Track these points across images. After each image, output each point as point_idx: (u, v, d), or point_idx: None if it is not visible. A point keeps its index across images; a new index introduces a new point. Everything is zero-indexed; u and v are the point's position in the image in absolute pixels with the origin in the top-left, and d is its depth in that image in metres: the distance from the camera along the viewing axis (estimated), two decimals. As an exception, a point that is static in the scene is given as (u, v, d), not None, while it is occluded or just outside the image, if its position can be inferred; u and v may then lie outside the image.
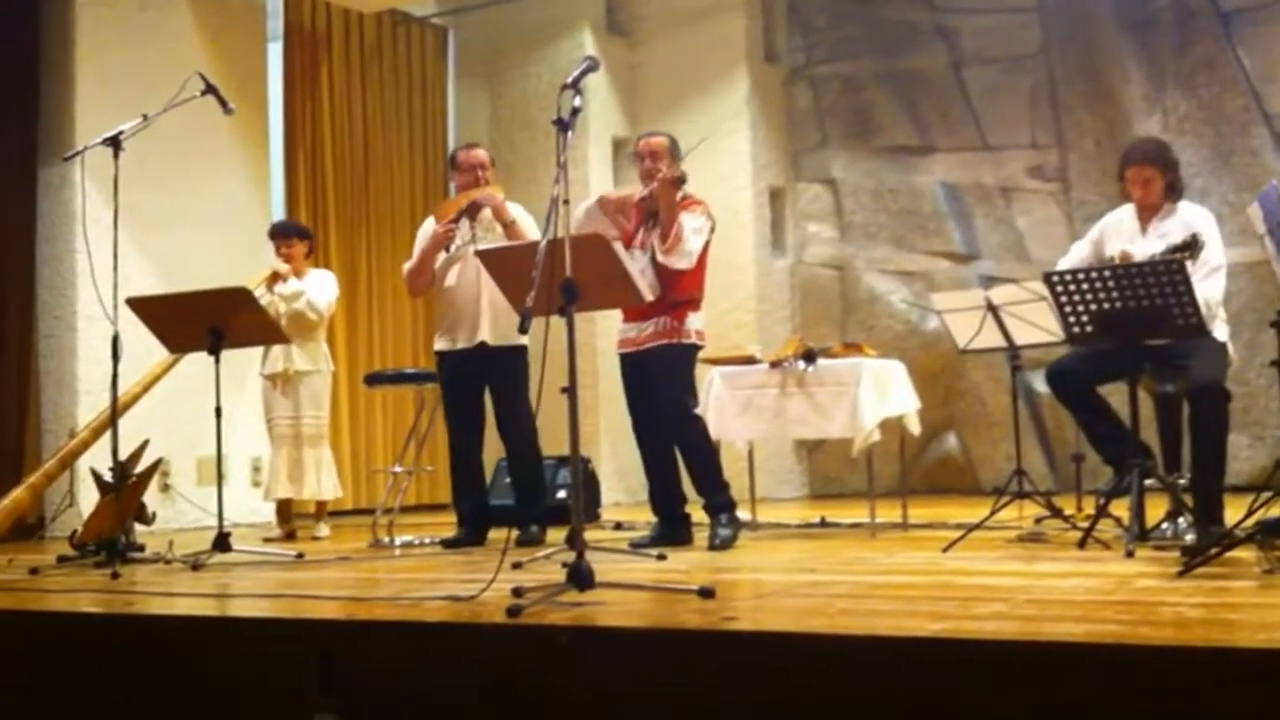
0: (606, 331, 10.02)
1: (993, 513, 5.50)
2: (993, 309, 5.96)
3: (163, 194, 8.13)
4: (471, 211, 6.18)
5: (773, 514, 7.15)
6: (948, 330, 6.27)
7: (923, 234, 10.26)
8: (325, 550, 6.28)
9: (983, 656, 2.75)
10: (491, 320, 6.05)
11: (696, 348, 5.76)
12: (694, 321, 5.72)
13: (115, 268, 5.42)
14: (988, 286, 6.80)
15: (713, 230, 5.76)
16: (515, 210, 6.20)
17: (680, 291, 5.66)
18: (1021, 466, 5.88)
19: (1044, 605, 3.46)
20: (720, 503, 5.66)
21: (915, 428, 6.44)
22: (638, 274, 4.53)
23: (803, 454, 10.47)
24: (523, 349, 6.05)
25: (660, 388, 5.69)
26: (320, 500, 7.21)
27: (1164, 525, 4.99)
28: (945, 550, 5.03)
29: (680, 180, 5.47)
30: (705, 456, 5.75)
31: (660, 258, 5.53)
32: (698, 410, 5.82)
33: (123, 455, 5.71)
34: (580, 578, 3.68)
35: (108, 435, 5.61)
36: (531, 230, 6.09)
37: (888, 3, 10.47)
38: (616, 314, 5.86)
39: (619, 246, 4.44)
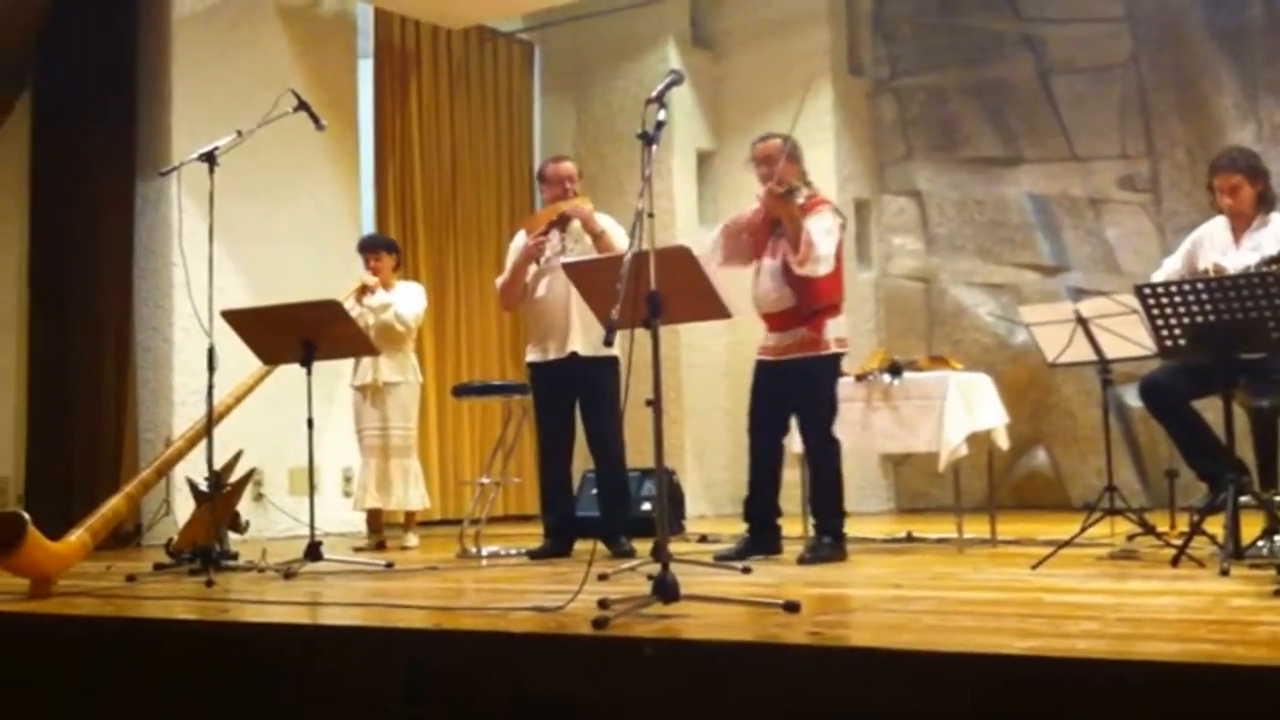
0: (691, 344, 10.05)
1: (1083, 529, 5.42)
2: (1083, 322, 5.88)
3: (256, 208, 8.29)
4: (561, 223, 6.22)
5: (858, 528, 7.08)
6: (1036, 343, 6.19)
7: (1010, 246, 10.16)
8: (414, 560, 6.34)
9: (1073, 675, 2.72)
10: (582, 330, 6.06)
11: (837, 356, 5.68)
12: (833, 329, 5.64)
13: (210, 281, 5.52)
14: (1077, 299, 6.72)
15: (843, 228, 5.70)
16: (605, 221, 6.22)
17: (817, 298, 5.59)
18: (1113, 482, 5.78)
19: (1136, 624, 3.41)
20: (832, 526, 5.63)
21: (1004, 442, 6.37)
22: (722, 287, 4.52)
23: (889, 468, 10.40)
24: (614, 360, 6.05)
25: (801, 406, 5.66)
26: (408, 511, 7.29)
27: (1260, 543, 4.88)
28: (1034, 567, 4.97)
29: (789, 190, 5.42)
30: (834, 480, 5.67)
31: (797, 270, 5.47)
32: (836, 429, 5.72)
33: (217, 465, 5.83)
34: (665, 590, 3.68)
35: (203, 445, 5.72)
36: (621, 240, 6.10)
37: (973, 13, 10.40)
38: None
39: (703, 259, 4.43)
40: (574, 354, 6.10)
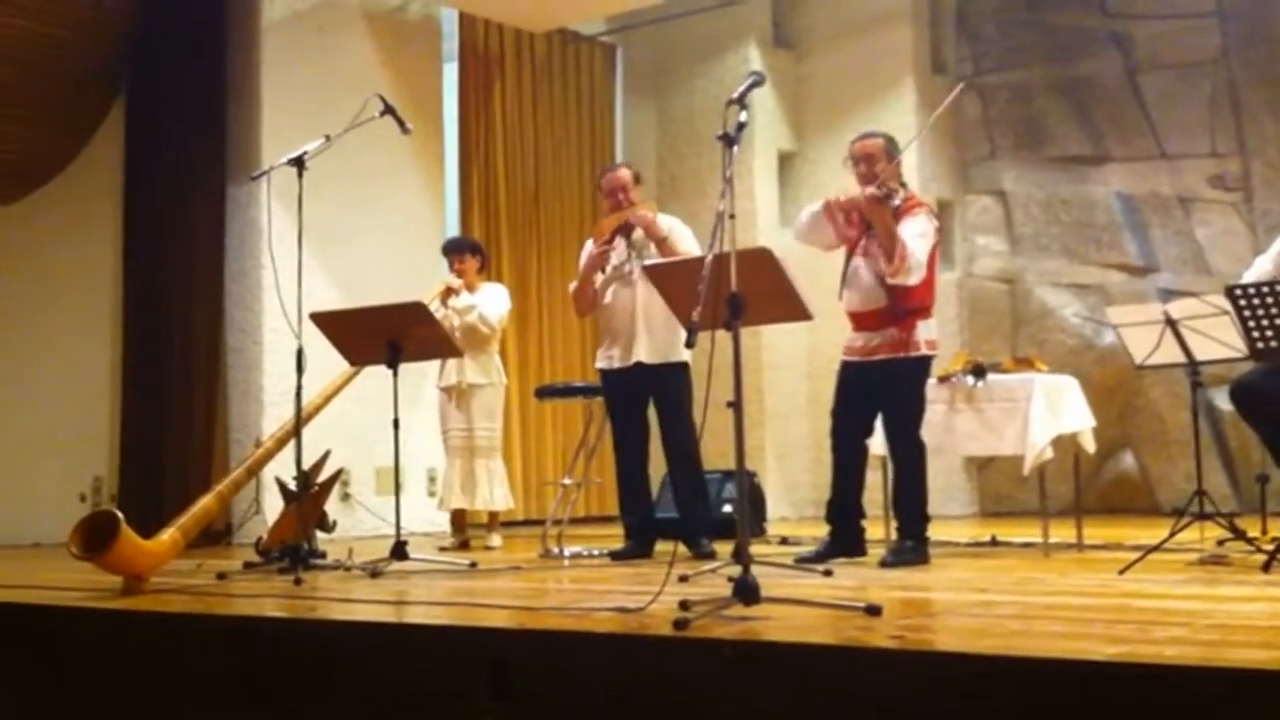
0: (772, 345, 10.03)
1: (1172, 534, 5.34)
2: (1171, 323, 5.78)
3: (343, 211, 8.41)
4: (626, 231, 6.23)
5: (942, 532, 7.02)
6: (1124, 345, 6.11)
7: (1097, 246, 10.02)
8: (497, 560, 6.39)
9: (1161, 682, 2.68)
10: (648, 339, 6.08)
11: (927, 359, 5.61)
12: (924, 331, 5.56)
13: (299, 283, 5.60)
14: (1166, 300, 6.61)
15: (938, 230, 5.62)
16: (670, 222, 6.22)
17: (909, 299, 5.52)
18: (1202, 486, 5.68)
19: (1226, 630, 3.35)
20: (914, 529, 5.58)
21: (1090, 445, 6.29)
22: (804, 289, 4.51)
23: (972, 471, 10.29)
24: (683, 365, 6.07)
25: (887, 407, 5.61)
26: (492, 511, 7.35)
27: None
28: (1122, 572, 4.90)
29: (887, 196, 5.37)
30: (917, 482, 5.62)
31: (889, 280, 5.41)
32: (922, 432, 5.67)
33: (306, 465, 5.91)
34: (746, 592, 3.68)
35: (292, 445, 5.81)
36: (686, 243, 6.11)
37: (1059, 10, 10.27)
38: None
39: (785, 260, 4.42)
40: (639, 363, 6.13)
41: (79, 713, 4.26)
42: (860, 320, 5.65)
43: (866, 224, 5.58)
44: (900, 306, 5.52)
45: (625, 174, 6.34)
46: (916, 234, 5.42)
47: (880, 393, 5.60)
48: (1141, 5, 9.96)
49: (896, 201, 5.46)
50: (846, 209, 5.60)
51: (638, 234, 6.20)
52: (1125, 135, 9.98)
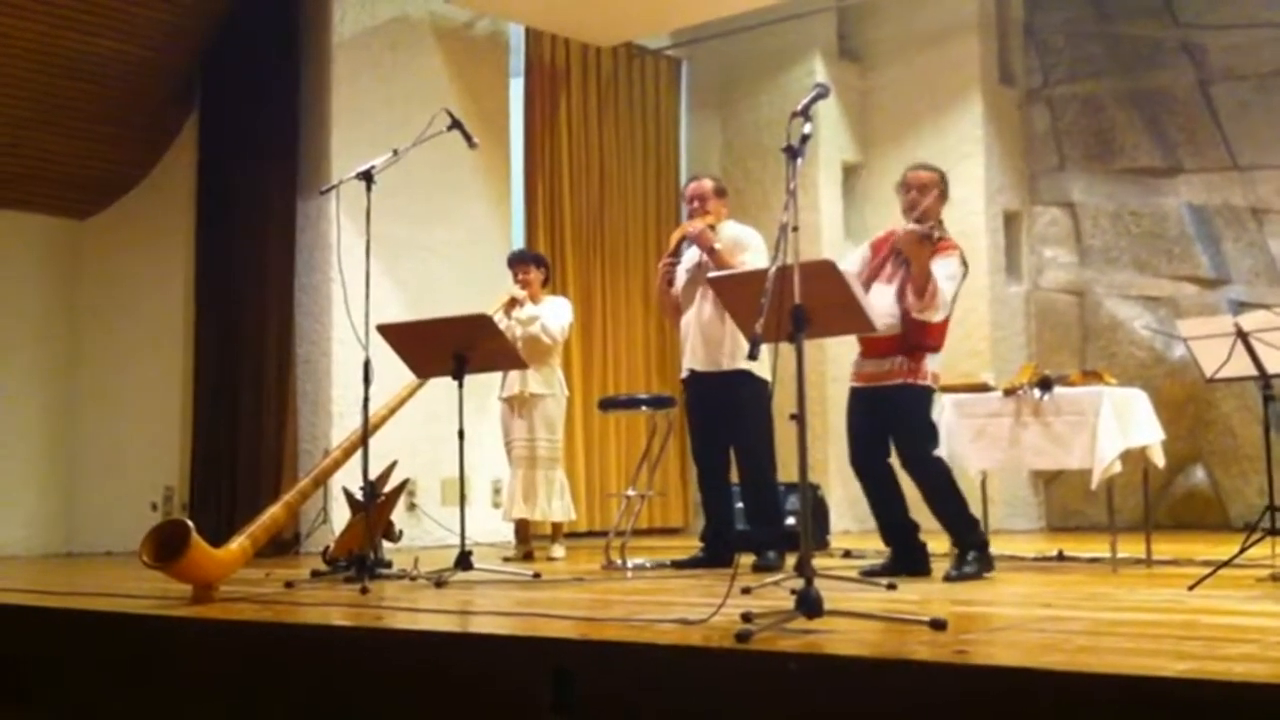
0: (837, 358, 9.98)
1: (1243, 549, 5.25)
2: (1243, 336, 5.69)
3: (411, 224, 8.50)
4: (699, 242, 6.28)
5: (1008, 546, 6.98)
6: (1194, 358, 6.02)
7: (1167, 258, 9.91)
8: (560, 570, 6.42)
9: (1231, 699, 2.65)
10: (703, 349, 6.18)
11: (931, 390, 5.64)
12: (931, 364, 5.59)
13: (367, 296, 5.66)
14: (1238, 312, 6.52)
15: (965, 275, 5.63)
16: (733, 231, 6.31)
17: (925, 336, 5.55)
18: (1274, 502, 5.59)
19: (1297, 648, 3.31)
20: (969, 542, 5.55)
21: (1160, 460, 6.21)
22: (868, 302, 4.50)
23: (1039, 485, 10.20)
24: (742, 374, 6.05)
25: (899, 435, 5.61)
26: (554, 521, 7.38)
27: None
28: (1191, 588, 4.83)
29: (928, 237, 5.35)
30: (949, 500, 5.58)
31: (916, 315, 5.42)
32: (938, 452, 5.68)
33: (372, 475, 5.96)
34: (809, 605, 3.67)
35: (359, 455, 5.87)
36: (741, 253, 6.14)
37: (1129, 20, 10.17)
38: (848, 341, 5.81)
39: (848, 272, 4.41)
40: (692, 372, 6.23)
41: (148, 719, 4.33)
42: (871, 346, 5.62)
43: (892, 252, 5.57)
44: (914, 339, 5.53)
45: (707, 184, 6.46)
46: (946, 275, 5.44)
47: (889, 417, 5.61)
48: (1213, 15, 9.85)
49: (935, 236, 5.43)
50: (885, 244, 5.61)
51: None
52: (1197, 146, 9.87)
